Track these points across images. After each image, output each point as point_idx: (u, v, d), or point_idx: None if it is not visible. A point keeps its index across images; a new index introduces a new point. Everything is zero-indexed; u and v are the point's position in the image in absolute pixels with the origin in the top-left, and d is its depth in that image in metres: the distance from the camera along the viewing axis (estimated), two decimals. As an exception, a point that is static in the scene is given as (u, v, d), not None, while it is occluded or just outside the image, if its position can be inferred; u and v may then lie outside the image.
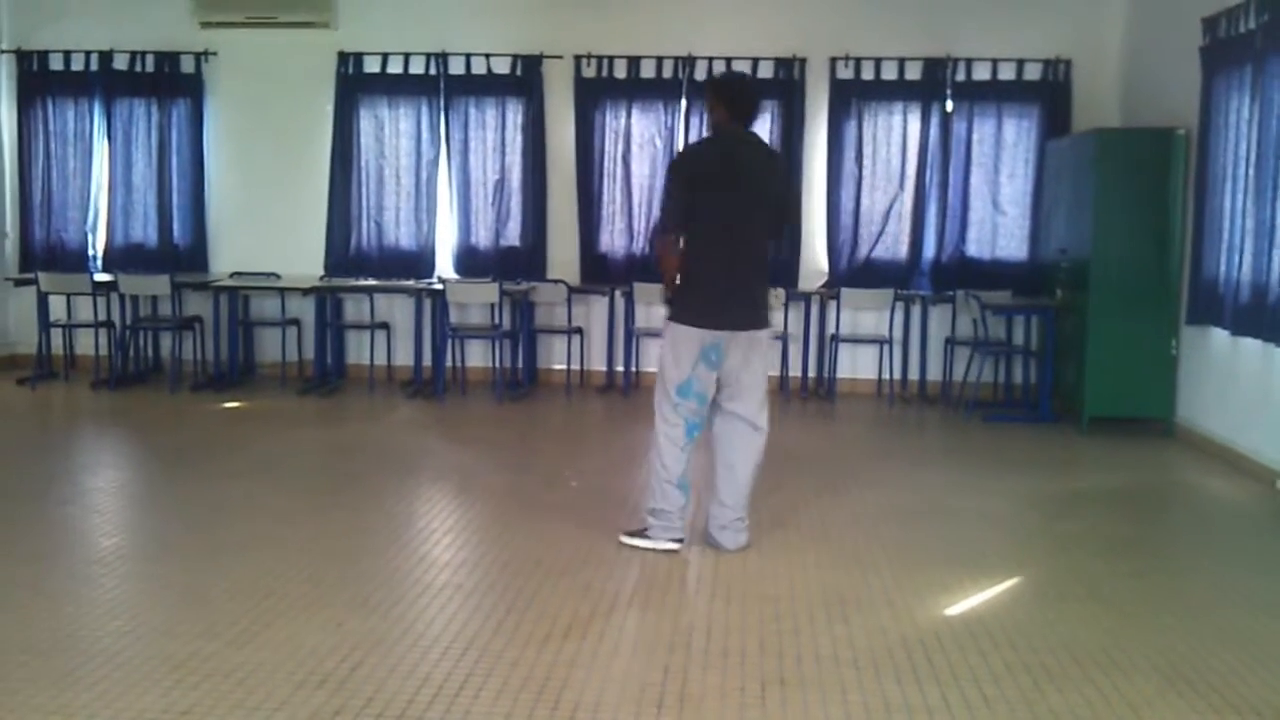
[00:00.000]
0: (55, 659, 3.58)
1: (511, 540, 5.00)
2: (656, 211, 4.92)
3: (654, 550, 4.83)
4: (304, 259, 9.47)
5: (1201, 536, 5.62)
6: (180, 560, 4.64)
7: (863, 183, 9.20)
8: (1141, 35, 8.60)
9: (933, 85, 9.05)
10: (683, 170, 4.89)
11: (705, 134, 5.12)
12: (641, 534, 4.90)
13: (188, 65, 9.55)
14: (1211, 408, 7.22)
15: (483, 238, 9.48)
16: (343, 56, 9.40)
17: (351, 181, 9.50)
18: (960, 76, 9.03)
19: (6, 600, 4.13)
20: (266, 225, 9.65)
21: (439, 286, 8.83)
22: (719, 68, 9.07)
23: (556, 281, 9.11)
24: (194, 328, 9.35)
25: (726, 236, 4.78)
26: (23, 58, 9.64)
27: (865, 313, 9.16)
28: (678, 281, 4.82)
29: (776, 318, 8.98)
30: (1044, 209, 8.84)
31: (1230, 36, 6.81)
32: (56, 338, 9.31)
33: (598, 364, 9.49)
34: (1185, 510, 6.26)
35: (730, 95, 4.92)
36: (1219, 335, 7.03)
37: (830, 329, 9.20)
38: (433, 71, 9.38)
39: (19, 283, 9.38)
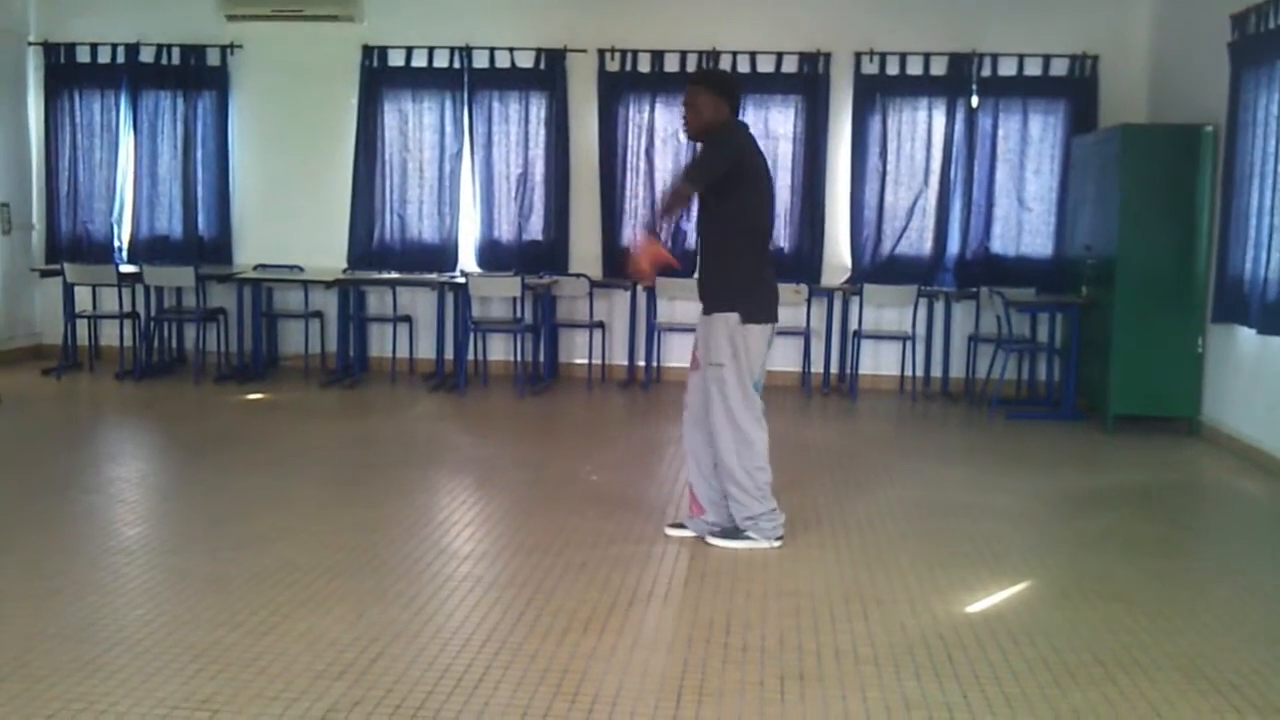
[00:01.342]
0: (78, 647, 3.60)
1: (531, 533, 5.01)
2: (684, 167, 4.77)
3: (757, 549, 4.81)
4: (327, 252, 9.51)
5: (1226, 536, 5.58)
6: (202, 550, 4.66)
7: (887, 178, 9.16)
8: (1169, 31, 8.53)
9: (958, 81, 9.00)
10: (740, 148, 4.72)
11: (685, 134, 4.96)
12: (739, 535, 4.86)
13: (213, 58, 9.60)
14: (1238, 407, 7.17)
15: (505, 231, 9.49)
16: (367, 50, 9.43)
17: (375, 175, 9.53)
18: (986, 72, 8.98)
19: (30, 589, 4.16)
20: (290, 218, 9.70)
21: (461, 280, 8.84)
22: (743, 62, 9.07)
23: (578, 275, 9.12)
24: (218, 319, 9.40)
25: (770, 232, 5.01)
26: (50, 50, 9.71)
27: (888, 309, 9.12)
28: (736, 282, 4.78)
29: (797, 313, 8.97)
30: (1070, 205, 8.79)
31: (1259, 33, 6.74)
32: (82, 329, 9.40)
33: (619, 358, 9.50)
34: (1210, 510, 6.21)
35: (729, 89, 4.85)
36: (1245, 334, 6.97)
37: (853, 325, 9.17)
38: (457, 65, 9.39)
39: (45, 274, 9.46)
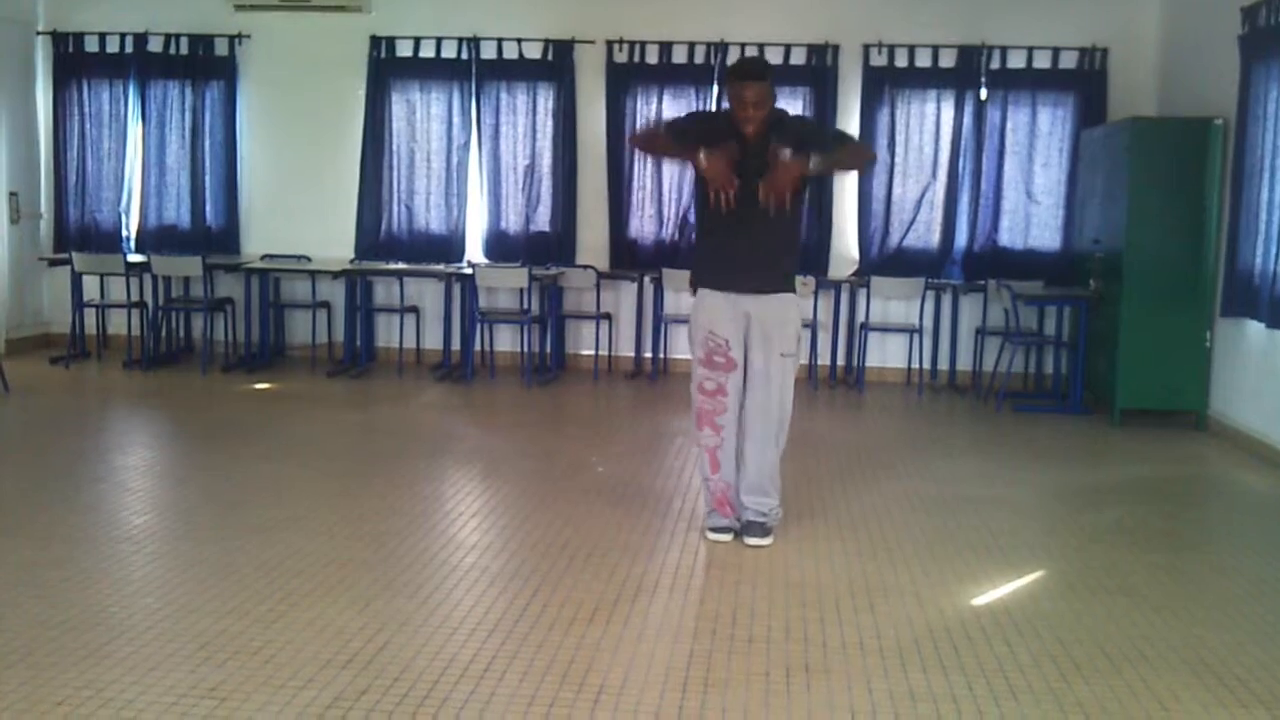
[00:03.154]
0: (85, 635, 3.61)
1: (538, 524, 5.01)
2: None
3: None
4: (335, 242, 9.50)
5: (1234, 530, 5.57)
6: (209, 539, 4.67)
7: (895, 170, 9.13)
8: (1179, 24, 8.50)
9: (967, 73, 8.98)
10: None
11: (748, 130, 4.60)
12: (769, 531, 4.81)
13: (221, 48, 9.59)
14: (1246, 401, 7.15)
15: (512, 222, 9.49)
16: (375, 40, 9.42)
17: (382, 165, 9.52)
18: (995, 64, 8.95)
19: (38, 577, 4.17)
20: (298, 208, 9.69)
21: (468, 271, 8.84)
22: (751, 54, 9.04)
23: (586, 267, 9.12)
24: (225, 309, 9.42)
25: None
26: (58, 39, 9.71)
27: (895, 301, 9.12)
28: (795, 263, 4.81)
29: (805, 305, 8.96)
30: (1078, 199, 8.76)
31: (1270, 26, 6.71)
32: (90, 318, 9.40)
33: (626, 350, 9.49)
34: (1217, 504, 6.20)
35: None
36: (1254, 328, 6.95)
37: (860, 317, 9.16)
38: (464, 56, 9.38)
39: (53, 263, 9.46)
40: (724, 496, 4.83)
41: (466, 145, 9.45)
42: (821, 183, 9.08)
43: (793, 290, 4.76)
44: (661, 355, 9.25)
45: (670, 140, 4.82)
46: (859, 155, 4.70)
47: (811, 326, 8.98)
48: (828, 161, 4.69)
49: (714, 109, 8.86)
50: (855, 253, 9.24)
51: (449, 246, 9.48)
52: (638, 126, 9.09)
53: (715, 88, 9.12)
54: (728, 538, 4.81)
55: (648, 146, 4.97)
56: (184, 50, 9.61)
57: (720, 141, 4.59)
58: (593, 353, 9.34)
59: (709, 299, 4.77)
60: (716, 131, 4.69)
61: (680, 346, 9.15)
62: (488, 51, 9.36)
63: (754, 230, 4.63)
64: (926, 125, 9.11)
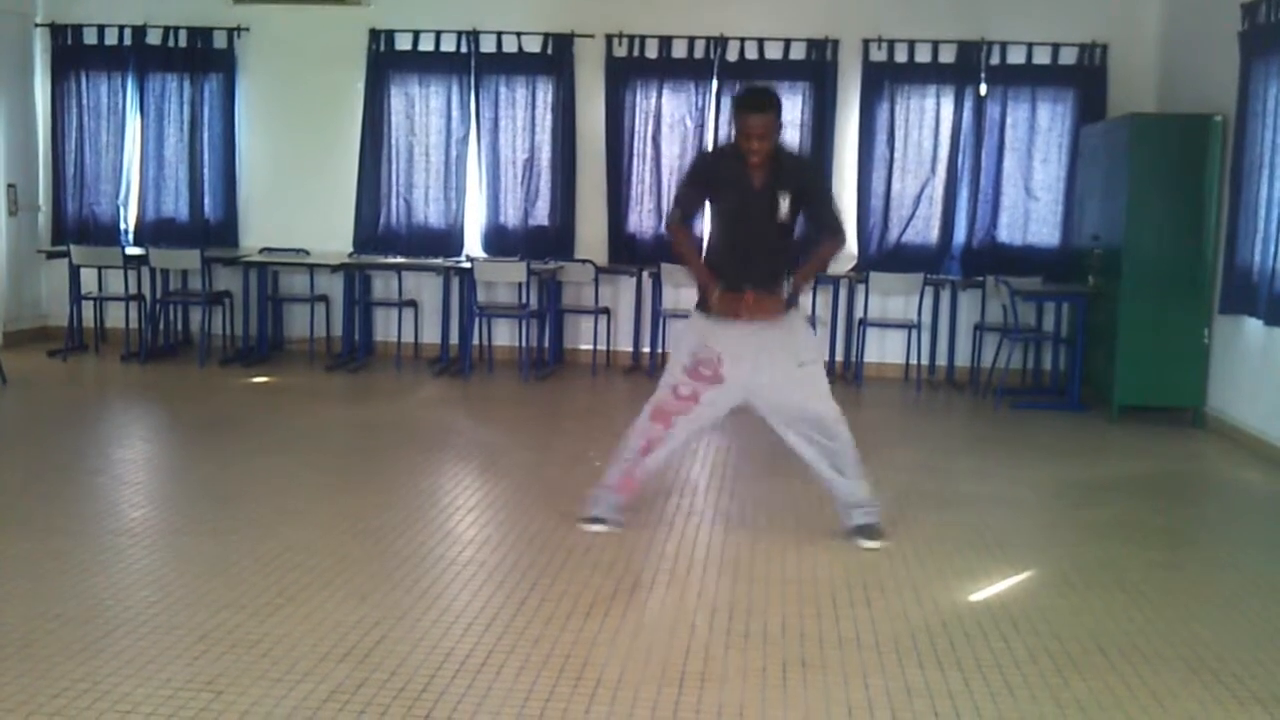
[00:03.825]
0: (83, 628, 3.61)
1: (535, 518, 5.01)
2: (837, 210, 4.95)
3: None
4: (333, 236, 9.50)
5: (1231, 527, 5.57)
6: (207, 533, 4.67)
7: (894, 166, 9.12)
8: (1179, 20, 8.49)
9: (966, 68, 8.97)
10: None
11: (772, 149, 4.60)
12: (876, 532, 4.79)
13: (220, 41, 9.57)
14: (1243, 398, 7.15)
15: (511, 217, 9.48)
16: (374, 34, 9.40)
17: (381, 159, 9.51)
18: (994, 60, 8.94)
19: (36, 569, 4.17)
20: (296, 201, 9.68)
21: (467, 265, 8.85)
22: (751, 49, 9.05)
23: (584, 261, 9.11)
24: (223, 302, 9.41)
25: None
26: (57, 31, 9.70)
27: (894, 297, 9.11)
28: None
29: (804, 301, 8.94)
30: (1077, 195, 8.76)
31: (1270, 22, 6.70)
32: (87, 310, 9.39)
33: (624, 344, 9.49)
34: (1215, 501, 6.20)
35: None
36: (1253, 325, 6.95)
37: (858, 313, 9.16)
38: (464, 50, 9.36)
39: (51, 255, 9.46)
40: (631, 481, 4.84)
41: (465, 139, 9.44)
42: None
43: (796, 305, 4.79)
44: (660, 350, 9.23)
45: (688, 230, 4.86)
46: (834, 249, 4.80)
47: (811, 322, 8.96)
48: (803, 275, 4.83)
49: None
50: (854, 248, 9.23)
51: (447, 240, 9.48)
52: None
53: (714, 83, 9.11)
54: (600, 529, 4.77)
55: (677, 244, 4.91)
56: (183, 43, 9.59)
57: (729, 183, 4.67)
58: (591, 347, 9.33)
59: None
60: (721, 171, 4.74)
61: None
62: (487, 45, 9.34)
63: (769, 262, 4.72)
64: (926, 121, 9.10)
